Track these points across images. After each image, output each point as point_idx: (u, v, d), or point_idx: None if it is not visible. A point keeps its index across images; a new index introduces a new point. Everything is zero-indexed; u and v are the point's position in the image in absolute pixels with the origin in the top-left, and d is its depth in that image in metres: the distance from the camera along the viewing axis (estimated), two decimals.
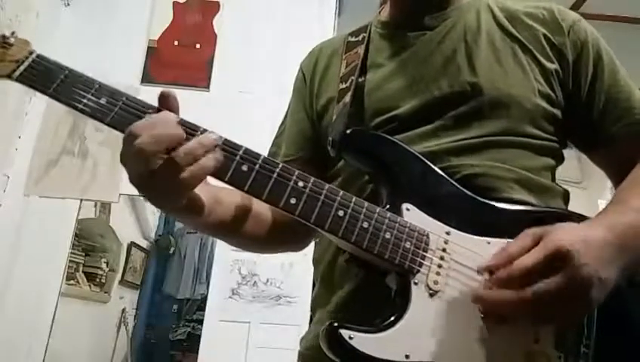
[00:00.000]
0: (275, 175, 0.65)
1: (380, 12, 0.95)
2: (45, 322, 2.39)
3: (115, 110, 0.64)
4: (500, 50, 0.82)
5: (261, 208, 0.84)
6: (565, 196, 0.82)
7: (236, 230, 0.81)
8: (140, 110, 0.65)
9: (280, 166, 0.66)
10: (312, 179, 0.66)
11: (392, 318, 0.65)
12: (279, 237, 0.88)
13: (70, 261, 2.62)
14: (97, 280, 3.13)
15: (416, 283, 0.66)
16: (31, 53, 0.67)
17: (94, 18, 2.83)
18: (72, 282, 2.85)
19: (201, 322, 2.59)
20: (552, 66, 0.81)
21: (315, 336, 0.73)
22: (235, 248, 2.51)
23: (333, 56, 0.94)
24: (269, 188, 0.65)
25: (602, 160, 0.85)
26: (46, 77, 0.65)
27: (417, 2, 0.87)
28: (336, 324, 0.63)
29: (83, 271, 3.01)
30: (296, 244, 0.93)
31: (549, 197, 0.78)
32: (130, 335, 3.43)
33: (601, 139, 0.81)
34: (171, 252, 3.81)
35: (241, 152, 0.65)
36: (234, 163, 0.64)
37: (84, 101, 0.65)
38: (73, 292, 2.82)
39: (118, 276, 3.38)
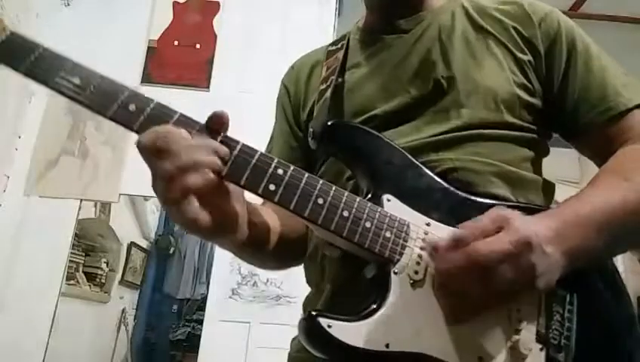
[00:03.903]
0: (253, 160, 0.64)
1: (358, 21, 0.97)
2: (45, 322, 2.40)
3: (90, 89, 0.63)
4: (474, 45, 0.83)
5: (272, 223, 0.83)
6: (548, 188, 0.82)
7: (260, 248, 0.81)
8: (114, 90, 0.64)
9: (259, 153, 0.65)
10: (292, 167, 0.66)
11: (372, 307, 0.64)
12: (285, 253, 0.88)
13: (70, 261, 2.63)
14: (97, 280, 3.14)
15: (396, 273, 0.66)
16: (4, 29, 0.66)
17: (94, 18, 2.83)
18: (72, 282, 2.85)
19: (201, 322, 2.59)
20: (525, 57, 0.82)
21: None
22: None
23: (315, 66, 0.96)
24: (248, 173, 0.64)
25: (583, 148, 0.85)
26: (19, 54, 0.64)
27: (392, 7, 0.88)
28: (314, 313, 0.62)
29: (83, 271, 3.01)
30: (299, 260, 0.94)
31: (529, 190, 0.78)
32: (130, 335, 3.44)
33: (578, 128, 0.81)
34: (171, 252, 3.81)
35: (219, 138, 0.64)
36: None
37: (56, 80, 0.63)
38: (73, 292, 2.82)
39: (118, 276, 3.38)
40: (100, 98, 0.63)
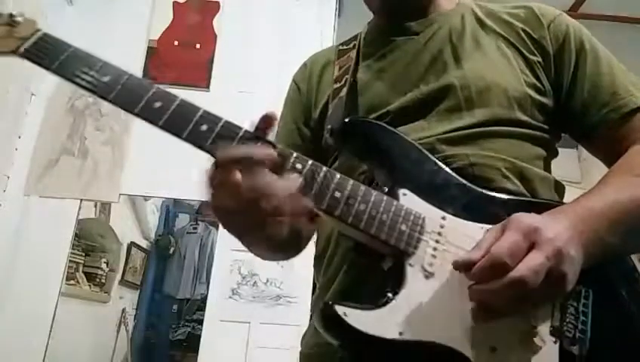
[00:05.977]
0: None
1: (369, 23, 0.99)
2: (45, 322, 2.40)
3: (118, 88, 0.66)
4: (485, 46, 0.85)
5: None
6: (559, 188, 0.83)
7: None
8: (142, 88, 0.66)
9: (278, 147, 0.66)
10: (310, 161, 0.67)
11: (387, 297, 0.66)
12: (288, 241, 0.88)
13: (70, 261, 2.63)
14: (97, 280, 3.14)
15: (411, 265, 0.67)
16: (37, 30, 0.69)
17: (95, 18, 2.84)
18: (72, 282, 2.85)
19: (201, 322, 2.60)
20: (535, 58, 0.83)
21: (314, 333, 0.73)
22: (235, 248, 2.51)
23: (326, 66, 0.96)
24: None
25: (593, 148, 0.85)
26: (50, 53, 0.67)
27: (399, 13, 0.90)
28: (331, 302, 0.64)
29: (83, 271, 3.01)
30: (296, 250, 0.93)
31: (542, 186, 0.79)
32: (130, 336, 3.44)
33: (588, 127, 0.82)
34: (171, 252, 3.82)
35: (240, 133, 0.66)
36: (233, 143, 0.65)
37: (87, 78, 0.66)
38: (73, 292, 2.83)
39: (118, 276, 3.39)
40: (126, 95, 0.65)
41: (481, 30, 0.87)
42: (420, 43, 0.87)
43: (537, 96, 0.81)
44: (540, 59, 0.83)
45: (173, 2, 2.89)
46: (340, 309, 0.63)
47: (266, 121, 0.65)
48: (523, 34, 0.85)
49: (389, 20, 0.92)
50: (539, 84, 0.82)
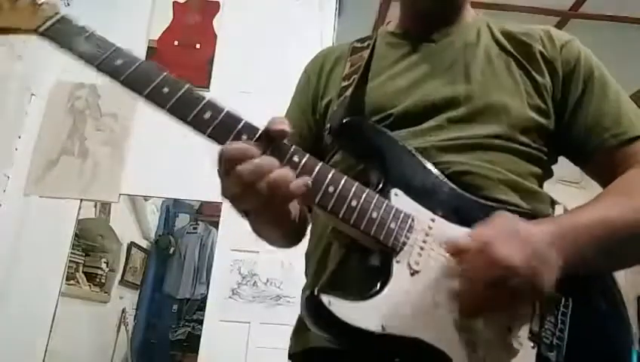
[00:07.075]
0: (271, 147, 0.67)
1: (386, 24, 1.00)
2: (45, 322, 2.40)
3: (131, 69, 0.70)
4: (495, 64, 0.87)
5: None
6: (552, 203, 0.84)
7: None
8: (153, 71, 0.70)
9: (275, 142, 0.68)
10: (307, 155, 0.68)
11: (374, 291, 0.67)
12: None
13: (70, 261, 2.63)
14: (97, 280, 3.14)
15: (398, 262, 0.69)
16: (57, 13, 0.75)
17: (94, 18, 2.82)
18: (72, 282, 2.85)
19: (201, 322, 2.60)
20: (543, 80, 0.85)
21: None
22: (235, 248, 2.52)
23: (339, 60, 0.98)
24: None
25: (592, 172, 0.87)
26: (68, 35, 0.73)
27: (429, 17, 0.92)
28: (316, 290, 0.65)
29: (83, 271, 3.01)
30: (295, 238, 0.94)
31: (535, 201, 0.81)
32: (130, 335, 3.44)
33: (588, 150, 0.84)
34: (171, 252, 3.81)
35: (240, 126, 0.67)
36: (232, 135, 0.66)
37: (101, 59, 0.71)
38: (73, 292, 2.82)
39: (118, 276, 3.38)
40: (139, 77, 0.69)
41: (495, 47, 0.89)
42: (435, 52, 0.89)
43: (539, 119, 0.83)
44: (548, 80, 0.85)
45: (173, 2, 2.89)
46: (325, 298, 0.65)
47: (276, 127, 0.67)
48: (537, 54, 0.87)
49: (413, 25, 0.94)
50: (543, 106, 0.84)
